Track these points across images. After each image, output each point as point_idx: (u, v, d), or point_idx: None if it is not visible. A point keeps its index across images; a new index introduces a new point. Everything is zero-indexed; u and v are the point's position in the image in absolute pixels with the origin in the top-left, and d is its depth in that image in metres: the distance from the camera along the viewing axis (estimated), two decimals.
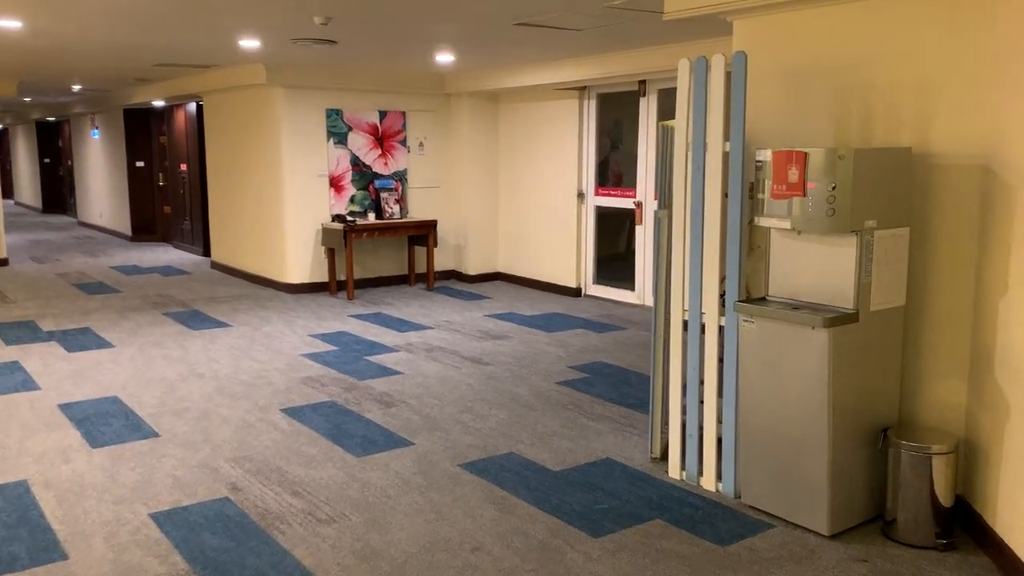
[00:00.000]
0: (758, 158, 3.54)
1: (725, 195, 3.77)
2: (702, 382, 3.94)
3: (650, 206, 8.05)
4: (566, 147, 8.78)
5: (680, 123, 3.89)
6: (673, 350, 4.04)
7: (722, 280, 3.84)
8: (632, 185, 8.25)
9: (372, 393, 5.42)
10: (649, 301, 8.20)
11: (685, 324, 3.99)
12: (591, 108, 8.60)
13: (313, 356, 6.37)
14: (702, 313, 3.89)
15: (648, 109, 8.02)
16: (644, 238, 8.16)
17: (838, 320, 3.28)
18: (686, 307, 3.96)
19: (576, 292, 8.85)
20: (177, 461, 4.26)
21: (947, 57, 3.45)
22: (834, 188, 3.25)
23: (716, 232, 3.78)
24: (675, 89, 7.66)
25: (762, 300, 3.65)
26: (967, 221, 3.45)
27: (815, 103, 3.95)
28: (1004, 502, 3.12)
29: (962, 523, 3.46)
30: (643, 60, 7.13)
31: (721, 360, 3.86)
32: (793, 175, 3.38)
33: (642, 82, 8.00)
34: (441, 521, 3.57)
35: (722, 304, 3.81)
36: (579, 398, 5.29)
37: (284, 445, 4.49)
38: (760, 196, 3.55)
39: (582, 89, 8.60)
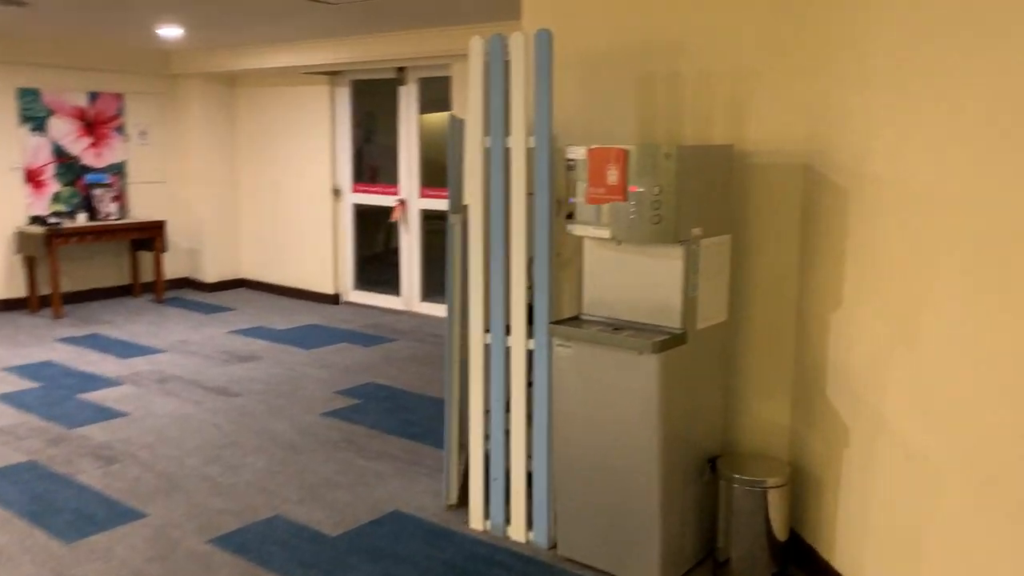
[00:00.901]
0: (569, 156, 3.03)
1: (531, 195, 3.23)
2: (508, 411, 3.38)
3: (415, 204, 7.43)
4: (318, 139, 7.91)
5: (473, 113, 3.28)
6: (473, 375, 3.43)
7: (528, 289, 3.29)
8: (393, 181, 7.58)
9: (87, 445, 4.32)
10: (417, 308, 7.58)
11: (488, 346, 3.40)
12: (345, 96, 7.79)
13: (7, 398, 5.06)
14: (507, 335, 3.33)
15: (408, 99, 7.38)
16: (409, 239, 7.51)
17: (668, 343, 2.84)
18: (488, 327, 3.37)
19: (334, 299, 8.03)
20: None
21: (766, 43, 3.14)
22: (660, 191, 2.81)
23: (522, 242, 3.22)
24: (439, 79, 7.09)
25: (575, 319, 3.15)
26: (788, 227, 3.16)
27: (617, 94, 3.52)
28: (844, 535, 2.85)
29: (795, 558, 3.18)
30: (403, 44, 6.47)
31: (531, 385, 3.32)
32: (612, 176, 2.89)
33: (401, 69, 7.34)
34: None
35: (530, 321, 3.27)
36: (352, 432, 4.55)
37: None
38: (573, 200, 3.04)
39: (334, 74, 7.77)
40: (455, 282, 3.52)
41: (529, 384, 3.32)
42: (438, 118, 7.29)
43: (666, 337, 2.86)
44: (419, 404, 5.01)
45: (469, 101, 3.28)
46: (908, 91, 2.44)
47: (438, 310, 7.38)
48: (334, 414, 4.83)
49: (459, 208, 3.47)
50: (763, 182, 3.20)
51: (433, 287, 7.53)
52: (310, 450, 4.27)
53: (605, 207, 2.92)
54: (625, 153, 2.85)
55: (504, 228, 3.26)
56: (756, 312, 3.25)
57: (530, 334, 3.28)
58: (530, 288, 3.25)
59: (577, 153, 2.99)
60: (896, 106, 2.51)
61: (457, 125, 3.50)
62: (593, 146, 2.93)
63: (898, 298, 2.52)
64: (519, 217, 3.21)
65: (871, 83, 2.65)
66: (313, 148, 7.96)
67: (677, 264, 2.90)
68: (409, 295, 7.61)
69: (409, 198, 7.46)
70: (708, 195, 2.95)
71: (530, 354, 3.29)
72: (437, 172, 7.31)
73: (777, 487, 2.96)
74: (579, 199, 3.00)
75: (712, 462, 3.15)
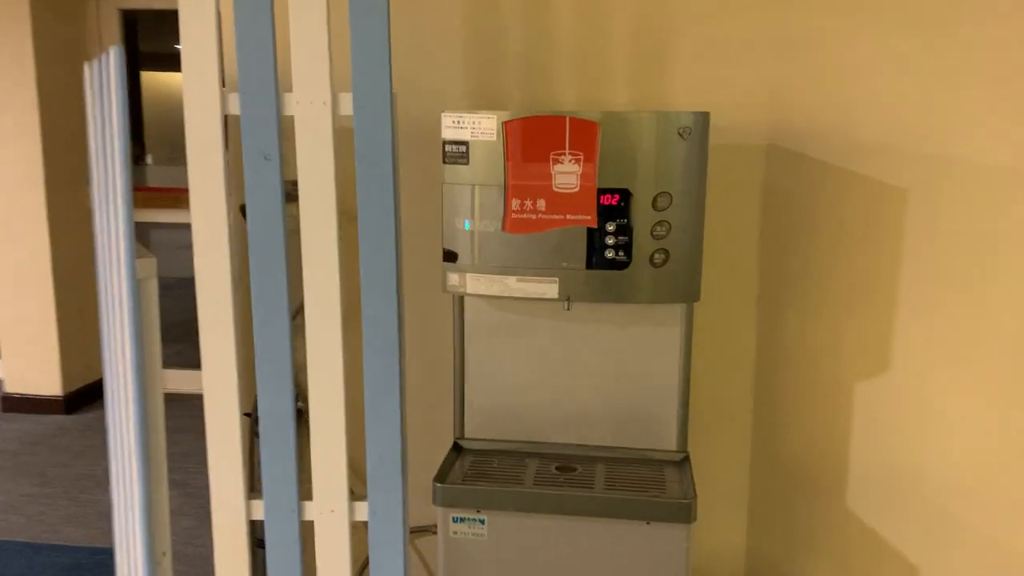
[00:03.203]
0: (451, 136, 1.47)
1: (352, 222, 1.58)
2: None
3: None
4: None
5: (191, 48, 1.51)
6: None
7: (254, 406, 1.65)
8: None
9: None
10: None
11: (259, 524, 1.68)
12: None
13: None
14: (300, 502, 1.65)
15: None
16: None
17: (688, 492, 1.50)
18: (258, 487, 1.65)
19: None
20: None
21: None
22: (669, 203, 1.43)
23: (333, 314, 1.57)
24: None
25: (456, 455, 1.63)
26: (740, 251, 2.00)
27: (433, 31, 2.00)
28: None
29: None
30: None
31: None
32: (568, 175, 1.43)
33: None
34: None
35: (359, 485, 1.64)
36: None
37: None
38: (467, 227, 1.50)
39: None
40: (154, 396, 1.71)
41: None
42: None
43: (675, 483, 1.51)
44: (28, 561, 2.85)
45: (183, 26, 1.50)
46: None
47: None
48: None
49: (144, 250, 1.66)
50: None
51: None
52: None
53: (542, 239, 1.45)
54: (595, 128, 1.41)
55: (285, 286, 1.57)
56: (694, 383, 2.05)
57: (361, 494, 1.65)
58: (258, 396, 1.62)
59: (476, 128, 1.45)
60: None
61: (105, 69, 1.65)
62: (512, 116, 1.43)
63: None
64: (324, 263, 1.55)
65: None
66: None
67: (673, 335, 1.56)
68: None
69: None
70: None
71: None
72: None
73: None
74: (478, 223, 1.48)
75: None
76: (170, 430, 3.92)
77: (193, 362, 4.89)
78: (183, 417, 4.24)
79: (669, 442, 1.60)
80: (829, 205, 1.83)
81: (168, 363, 4.74)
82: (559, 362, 1.60)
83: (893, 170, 1.73)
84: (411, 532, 2.11)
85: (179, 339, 5.14)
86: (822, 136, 1.83)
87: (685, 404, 1.58)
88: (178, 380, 4.84)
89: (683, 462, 1.58)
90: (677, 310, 1.54)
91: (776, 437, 2.00)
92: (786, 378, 1.95)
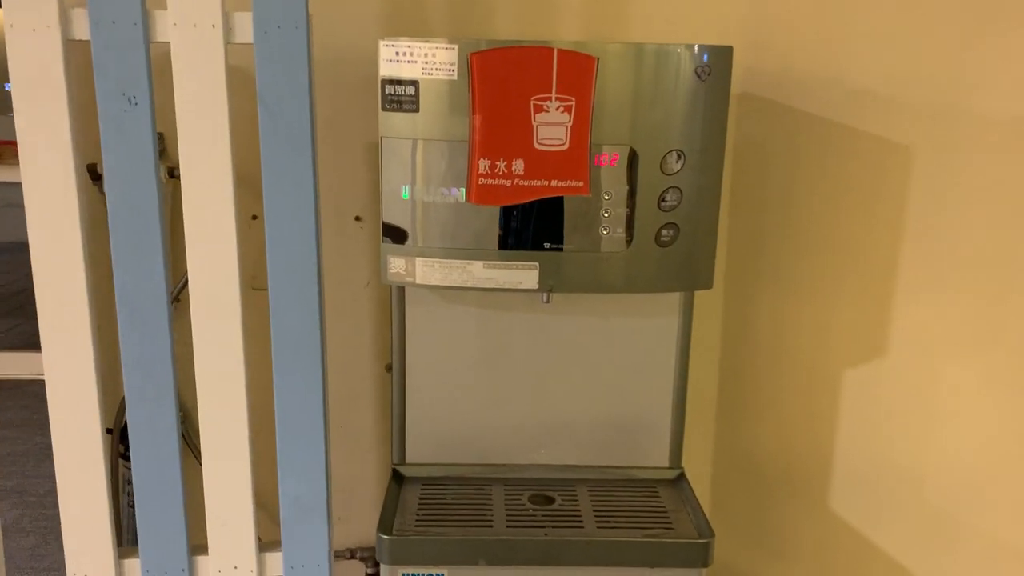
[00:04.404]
0: (391, 73, 1.09)
1: (248, 191, 1.17)
2: None
3: None
4: None
5: None
6: None
7: (116, 429, 1.25)
8: None
9: None
10: None
11: None
12: None
13: None
14: (192, 558, 1.25)
15: None
16: None
17: (702, 529, 1.22)
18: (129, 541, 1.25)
19: None
20: None
21: None
22: (681, 163, 1.12)
23: (232, 306, 1.17)
24: None
25: (397, 483, 1.28)
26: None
27: None
28: None
29: None
30: None
31: None
32: (554, 127, 1.08)
33: None
34: None
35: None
36: None
37: None
38: (405, 196, 1.13)
39: None
40: None
41: None
42: None
43: (679, 512, 1.23)
44: None
45: None
46: None
47: None
48: None
49: None
50: None
51: None
52: None
53: (518, 212, 1.11)
54: (592, 65, 1.07)
55: (163, 276, 1.15)
56: None
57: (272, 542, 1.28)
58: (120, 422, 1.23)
59: (429, 63, 1.07)
60: None
61: None
62: (483, 45, 1.07)
63: None
64: (217, 247, 1.14)
65: None
66: None
67: (669, 326, 1.26)
68: None
69: None
70: None
71: None
72: None
73: None
74: (430, 191, 1.11)
75: None
76: None
77: (17, 340, 4.25)
78: (13, 408, 3.65)
79: (660, 456, 1.31)
80: (815, 164, 1.57)
81: None
82: (523, 363, 1.27)
83: (895, 123, 1.49)
84: None
85: None
86: (807, 83, 1.56)
87: (681, 409, 1.30)
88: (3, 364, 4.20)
89: (679, 480, 1.30)
90: (675, 298, 1.24)
91: (744, 432, 1.75)
92: (758, 365, 1.70)
